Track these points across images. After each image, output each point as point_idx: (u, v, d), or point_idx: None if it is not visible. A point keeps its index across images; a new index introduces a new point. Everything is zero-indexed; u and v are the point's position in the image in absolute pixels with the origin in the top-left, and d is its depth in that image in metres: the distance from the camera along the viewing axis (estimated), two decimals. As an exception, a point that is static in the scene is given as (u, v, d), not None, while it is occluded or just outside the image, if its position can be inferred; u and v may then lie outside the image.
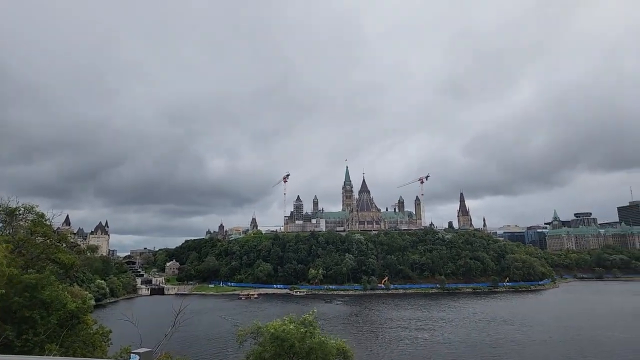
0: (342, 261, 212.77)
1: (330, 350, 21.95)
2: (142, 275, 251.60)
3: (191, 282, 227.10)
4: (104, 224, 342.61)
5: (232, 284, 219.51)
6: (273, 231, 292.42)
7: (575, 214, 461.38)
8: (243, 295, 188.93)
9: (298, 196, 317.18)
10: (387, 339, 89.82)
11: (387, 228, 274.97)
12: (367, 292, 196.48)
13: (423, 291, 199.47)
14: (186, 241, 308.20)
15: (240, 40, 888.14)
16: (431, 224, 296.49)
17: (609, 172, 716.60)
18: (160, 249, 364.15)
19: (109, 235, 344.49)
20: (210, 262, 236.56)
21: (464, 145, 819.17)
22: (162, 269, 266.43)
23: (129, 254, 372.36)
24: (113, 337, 24.61)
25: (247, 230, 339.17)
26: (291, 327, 22.10)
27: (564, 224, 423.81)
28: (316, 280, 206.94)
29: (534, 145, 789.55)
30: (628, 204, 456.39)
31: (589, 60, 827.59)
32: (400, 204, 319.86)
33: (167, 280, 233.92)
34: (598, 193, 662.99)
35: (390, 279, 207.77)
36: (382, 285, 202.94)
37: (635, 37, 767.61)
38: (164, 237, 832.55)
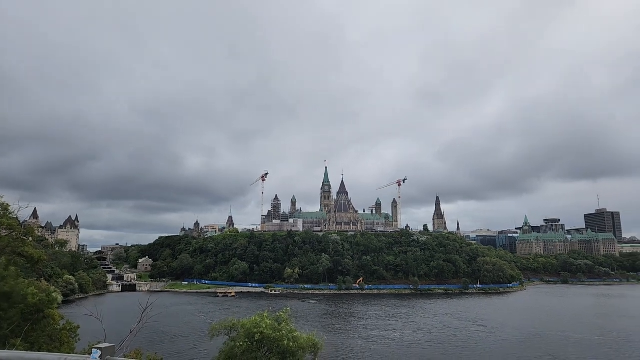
0: (319, 261, 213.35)
1: (301, 343, 22.02)
2: (114, 271, 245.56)
3: (164, 279, 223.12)
4: (74, 219, 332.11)
5: (207, 282, 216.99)
6: (250, 230, 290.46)
7: (545, 220, 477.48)
8: (221, 293, 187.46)
9: (276, 195, 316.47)
10: (358, 338, 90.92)
11: (364, 229, 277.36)
12: (342, 292, 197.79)
13: (397, 292, 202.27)
14: (160, 238, 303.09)
15: (220, 40, 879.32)
16: (407, 227, 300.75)
17: (576, 180, 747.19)
18: (132, 245, 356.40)
19: (79, 230, 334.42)
20: (185, 259, 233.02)
21: (438, 151, 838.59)
22: (135, 266, 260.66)
23: (100, 249, 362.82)
24: (81, 333, 24.28)
25: (223, 228, 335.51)
26: (267, 322, 22.07)
27: (534, 229, 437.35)
28: (292, 280, 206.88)
29: (504, 154, 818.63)
30: (594, 212, 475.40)
31: (558, 75, 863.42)
32: (378, 206, 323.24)
33: (140, 277, 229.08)
34: (566, 200, 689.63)
35: (365, 280, 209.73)
36: (357, 286, 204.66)
37: (601, 56, 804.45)
38: (136, 233, 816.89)
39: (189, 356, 72.39)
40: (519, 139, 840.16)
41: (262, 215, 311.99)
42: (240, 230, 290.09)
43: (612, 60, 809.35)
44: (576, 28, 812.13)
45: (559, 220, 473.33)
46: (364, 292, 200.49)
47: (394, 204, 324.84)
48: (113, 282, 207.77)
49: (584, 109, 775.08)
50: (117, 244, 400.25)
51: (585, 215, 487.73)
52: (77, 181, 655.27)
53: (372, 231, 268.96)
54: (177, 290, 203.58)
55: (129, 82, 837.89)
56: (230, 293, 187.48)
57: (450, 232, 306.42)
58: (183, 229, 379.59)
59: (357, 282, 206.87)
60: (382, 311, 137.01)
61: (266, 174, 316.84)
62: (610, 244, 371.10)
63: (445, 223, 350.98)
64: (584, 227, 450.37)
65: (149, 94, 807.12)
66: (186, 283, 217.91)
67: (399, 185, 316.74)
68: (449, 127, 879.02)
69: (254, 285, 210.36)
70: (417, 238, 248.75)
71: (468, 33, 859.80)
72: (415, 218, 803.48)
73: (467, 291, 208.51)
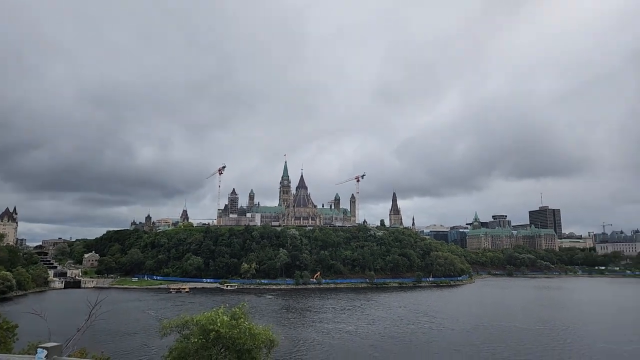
0: (276, 256, 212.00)
1: (257, 338, 21.46)
2: (56, 267, 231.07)
3: (112, 275, 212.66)
4: (11, 210, 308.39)
5: (158, 277, 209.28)
6: (205, 224, 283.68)
7: (493, 216, 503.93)
8: (173, 289, 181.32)
9: (233, 189, 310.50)
10: (314, 331, 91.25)
11: (322, 224, 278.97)
12: (299, 287, 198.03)
13: (353, 286, 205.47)
14: (108, 232, 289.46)
15: (179, 29, 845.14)
16: (365, 222, 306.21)
17: (522, 179, 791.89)
18: (77, 240, 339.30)
19: (17, 223, 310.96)
20: (135, 254, 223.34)
21: (396, 148, 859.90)
22: (79, 261, 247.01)
23: (41, 244, 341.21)
24: (20, 332, 22.15)
25: (177, 222, 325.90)
26: (224, 318, 21.33)
27: (483, 225, 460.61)
28: (248, 275, 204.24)
29: (457, 152, 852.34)
30: (538, 209, 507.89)
31: (509, 78, 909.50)
32: (337, 201, 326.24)
33: (85, 273, 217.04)
34: (513, 198, 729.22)
35: (323, 274, 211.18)
36: (314, 280, 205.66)
37: (549, 63, 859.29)
38: (82, 227, 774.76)
39: (137, 355, 69.26)
40: (471, 139, 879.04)
41: (219, 210, 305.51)
42: (195, 225, 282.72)
43: (558, 68, 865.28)
44: (527, 36, 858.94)
45: (506, 216, 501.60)
46: (321, 286, 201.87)
47: (353, 200, 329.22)
48: (55, 279, 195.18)
49: (530, 112, 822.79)
50: (60, 238, 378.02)
51: (529, 212, 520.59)
52: (16, 170, 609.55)
53: (330, 226, 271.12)
54: (126, 286, 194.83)
55: (78, 68, 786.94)
56: (184, 289, 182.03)
57: (405, 228, 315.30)
58: (133, 223, 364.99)
59: (315, 276, 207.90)
60: (338, 305, 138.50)
61: (223, 167, 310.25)
62: (551, 239, 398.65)
63: (401, 218, 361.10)
64: (529, 223, 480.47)
65: (100, 80, 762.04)
66: (136, 279, 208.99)
67: (358, 181, 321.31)
68: (406, 125, 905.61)
69: (208, 280, 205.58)
70: (374, 233, 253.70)
71: (427, 33, 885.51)
72: (373, 213, 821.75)
73: (420, 284, 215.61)
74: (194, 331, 21.35)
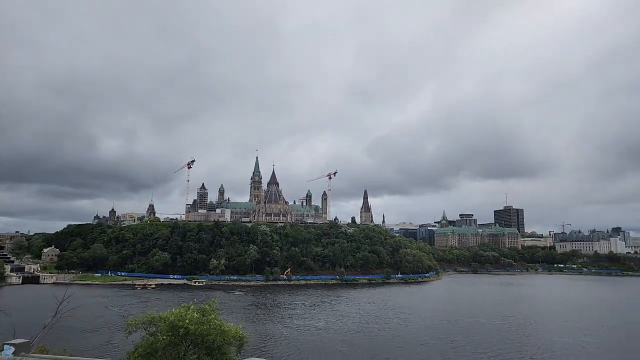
0: (246, 252, 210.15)
1: (227, 335, 20.91)
2: (13, 261, 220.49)
3: (73, 271, 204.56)
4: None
5: (123, 273, 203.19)
6: (173, 219, 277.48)
7: (460, 215, 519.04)
8: (139, 285, 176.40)
9: (203, 184, 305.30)
10: (283, 327, 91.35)
11: (293, 221, 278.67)
12: (269, 283, 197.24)
13: (323, 282, 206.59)
14: (69, 226, 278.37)
15: (148, 19, 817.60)
16: (336, 219, 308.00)
17: (488, 179, 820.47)
18: (36, 234, 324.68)
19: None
20: (98, 249, 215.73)
21: (367, 147, 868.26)
22: (38, 256, 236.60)
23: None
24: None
25: (143, 217, 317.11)
26: (195, 315, 20.79)
27: (451, 223, 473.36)
28: (217, 271, 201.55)
29: (427, 152, 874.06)
30: (502, 208, 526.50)
31: (478, 81, 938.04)
32: (308, 197, 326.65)
33: (44, 268, 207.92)
34: (479, 197, 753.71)
35: (293, 271, 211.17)
36: (285, 277, 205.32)
37: (517, 68, 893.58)
38: (42, 220, 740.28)
39: (101, 351, 67.07)
40: (441, 139, 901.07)
41: (187, 205, 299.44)
42: (162, 220, 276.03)
43: (525, 74, 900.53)
44: (496, 42, 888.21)
45: (472, 215, 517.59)
46: (292, 282, 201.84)
47: (324, 197, 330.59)
48: (12, 274, 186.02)
49: (498, 115, 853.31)
50: (17, 232, 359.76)
51: (494, 211, 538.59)
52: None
53: (301, 223, 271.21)
54: (88, 282, 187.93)
55: (39, 54, 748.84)
56: (150, 285, 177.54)
57: (376, 225, 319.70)
58: (97, 217, 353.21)
59: (285, 273, 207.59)
60: (308, 301, 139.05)
61: (192, 161, 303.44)
62: (514, 238, 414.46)
63: (372, 216, 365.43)
64: (494, 222, 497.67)
65: (63, 68, 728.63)
66: (99, 275, 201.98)
67: (330, 178, 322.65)
68: (379, 124, 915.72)
69: (176, 277, 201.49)
70: (345, 230, 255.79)
71: (400, 34, 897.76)
72: (344, 210, 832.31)
73: (389, 281, 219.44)
74: (161, 328, 20.63)
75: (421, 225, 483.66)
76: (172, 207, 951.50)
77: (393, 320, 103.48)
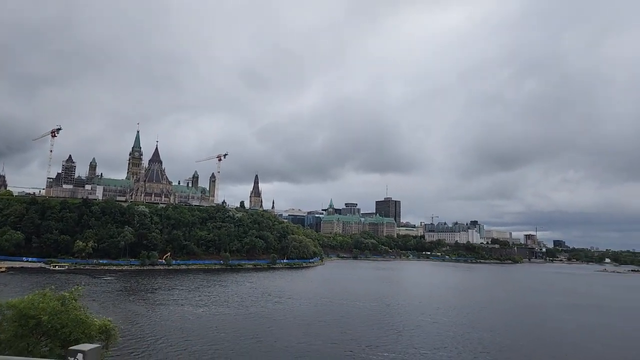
0: (120, 234, 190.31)
1: (90, 328, 19.12)
2: None
3: None
4: None
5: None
6: (30, 194, 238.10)
7: (346, 204, 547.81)
8: None
9: (70, 156, 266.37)
10: (158, 316, 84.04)
11: (177, 202, 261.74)
12: (146, 268, 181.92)
13: (206, 267, 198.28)
14: None
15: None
16: (224, 202, 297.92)
17: (371, 172, 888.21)
18: None
19: None
20: None
21: (258, 131, 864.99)
22: None
23: None
24: None
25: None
26: (52, 304, 18.78)
27: (337, 211, 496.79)
28: (83, 254, 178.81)
29: (316, 143, 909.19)
30: (383, 199, 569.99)
31: (365, 81, 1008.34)
32: (195, 179, 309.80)
33: None
34: (363, 188, 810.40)
35: (174, 255, 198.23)
36: (163, 261, 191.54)
37: (398, 72, 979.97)
38: None
39: None
40: (330, 131, 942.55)
41: (49, 179, 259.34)
42: (16, 194, 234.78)
43: (405, 77, 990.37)
44: (383, 45, 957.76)
45: (356, 204, 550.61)
46: (171, 267, 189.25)
47: (212, 179, 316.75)
48: None
49: (381, 114, 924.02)
50: None
51: (376, 201, 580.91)
52: None
53: (186, 205, 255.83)
54: None
55: None
56: (1, 268, 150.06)
57: (265, 210, 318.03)
58: None
59: (164, 257, 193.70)
60: (185, 287, 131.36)
61: (58, 129, 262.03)
62: (392, 227, 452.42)
63: (261, 201, 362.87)
64: (375, 211, 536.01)
65: None
66: None
67: (219, 160, 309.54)
68: (271, 111, 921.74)
69: (31, 259, 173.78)
70: (233, 214, 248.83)
71: (296, 25, 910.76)
72: (234, 194, 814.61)
73: (274, 266, 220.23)
74: (7, 317, 18.60)
75: (309, 213, 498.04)
76: (30, 180, 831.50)
77: (276, 304, 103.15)
